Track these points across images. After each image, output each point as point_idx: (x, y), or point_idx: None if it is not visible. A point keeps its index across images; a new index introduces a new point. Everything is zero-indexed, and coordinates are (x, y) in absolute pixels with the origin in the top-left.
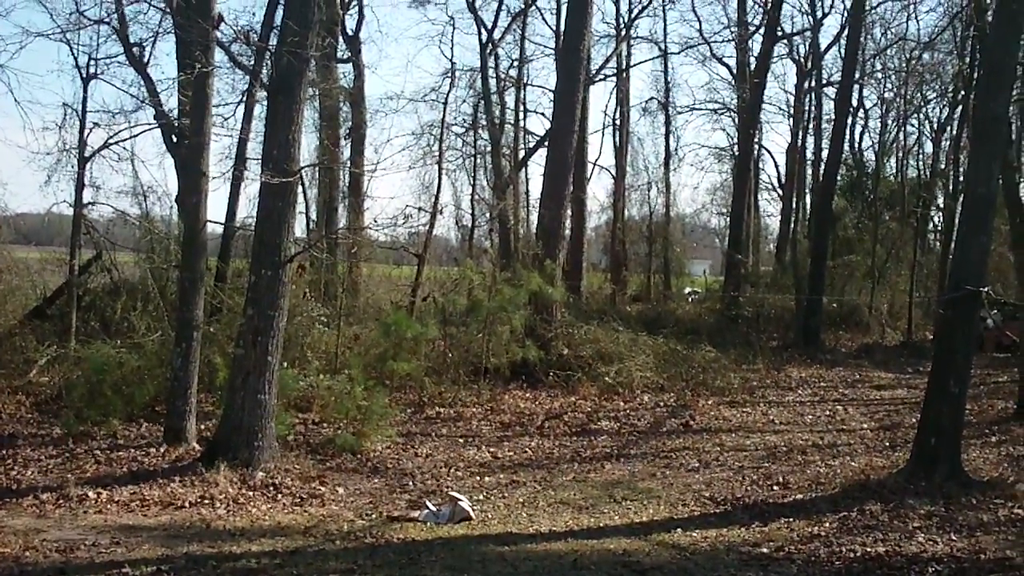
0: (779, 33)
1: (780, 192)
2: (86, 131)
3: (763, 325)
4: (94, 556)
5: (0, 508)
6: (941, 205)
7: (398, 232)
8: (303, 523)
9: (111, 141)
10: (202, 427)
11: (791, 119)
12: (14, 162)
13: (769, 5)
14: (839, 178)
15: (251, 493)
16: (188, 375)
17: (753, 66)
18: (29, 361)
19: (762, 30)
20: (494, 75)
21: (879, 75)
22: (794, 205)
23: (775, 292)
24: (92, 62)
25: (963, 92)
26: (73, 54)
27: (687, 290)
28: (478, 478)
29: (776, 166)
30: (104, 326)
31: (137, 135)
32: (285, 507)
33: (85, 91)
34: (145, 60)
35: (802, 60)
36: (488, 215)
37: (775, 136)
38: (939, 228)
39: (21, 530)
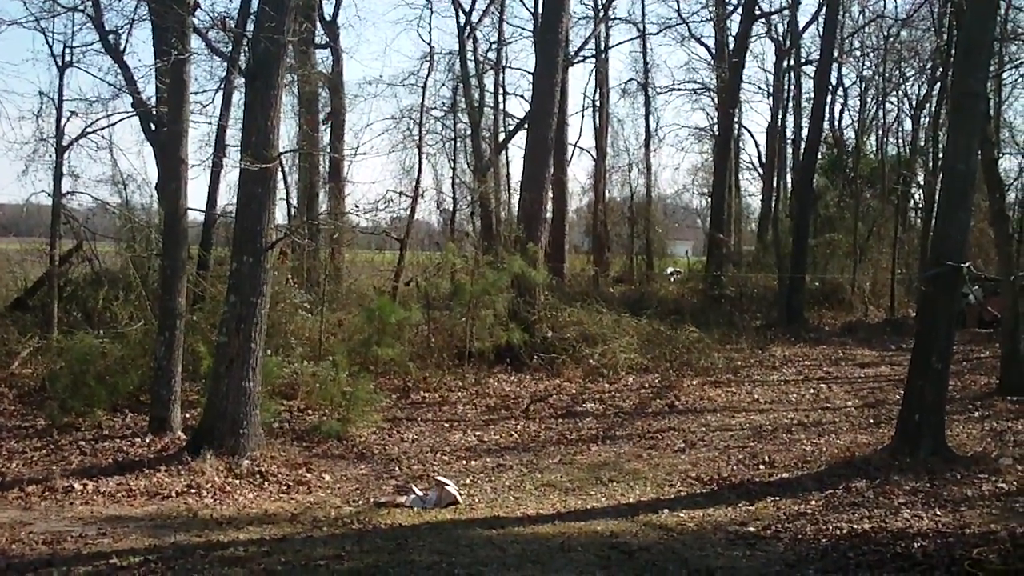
0: (757, 12)
1: (761, 172)
2: (63, 120)
3: (746, 304)
4: (81, 547)
5: None
6: (922, 182)
7: (380, 217)
8: (290, 510)
9: (89, 130)
10: (187, 416)
11: (771, 98)
12: None
13: None
14: (820, 157)
15: (237, 481)
16: (172, 364)
17: (732, 46)
18: (11, 353)
19: (740, 9)
20: (472, 58)
21: (857, 53)
22: (775, 184)
23: (758, 271)
24: (68, 50)
25: (941, 69)
26: (48, 42)
27: (669, 270)
28: (464, 462)
29: (757, 146)
30: (86, 316)
31: (115, 123)
32: (272, 495)
33: (61, 79)
34: (121, 48)
35: (780, 39)
36: (469, 198)
37: (755, 116)
38: (920, 205)
39: (7, 523)
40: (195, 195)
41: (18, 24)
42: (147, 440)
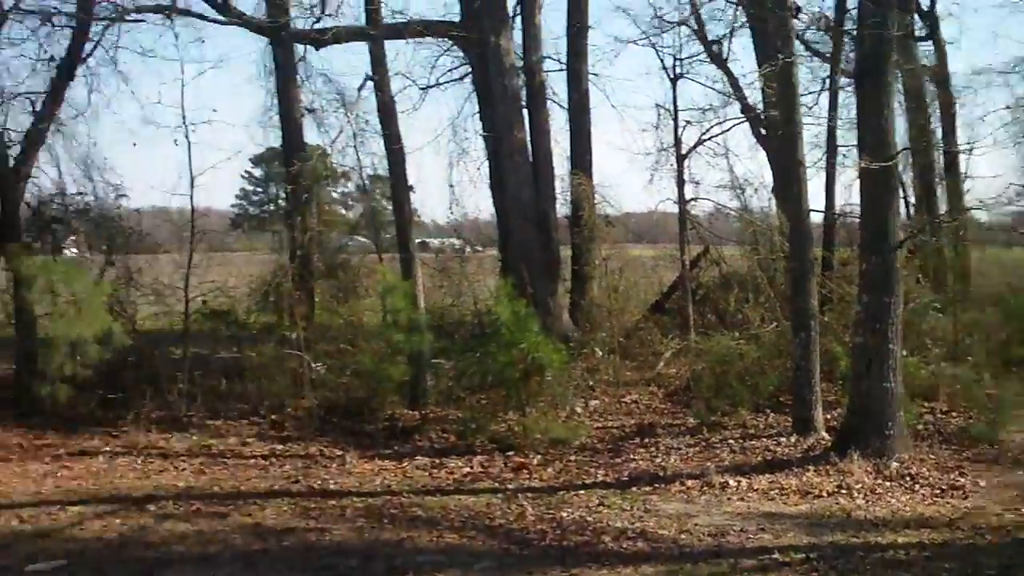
0: None
1: None
2: (679, 130)
3: None
4: (743, 541)
5: (652, 493)
6: None
7: (1005, 212)
8: (946, 515)
9: (704, 138)
10: (827, 416)
11: None
12: (619, 164)
13: None
14: None
15: (887, 483)
16: (810, 365)
17: None
18: (656, 354)
19: None
20: None
21: None
22: None
23: None
24: (677, 63)
25: None
26: (659, 57)
27: None
28: None
29: None
30: (719, 318)
31: (727, 130)
32: (924, 498)
33: (674, 91)
34: (724, 56)
35: None
36: None
37: None
38: None
39: (673, 514)
40: (810, 196)
41: (633, 43)
42: (792, 440)
